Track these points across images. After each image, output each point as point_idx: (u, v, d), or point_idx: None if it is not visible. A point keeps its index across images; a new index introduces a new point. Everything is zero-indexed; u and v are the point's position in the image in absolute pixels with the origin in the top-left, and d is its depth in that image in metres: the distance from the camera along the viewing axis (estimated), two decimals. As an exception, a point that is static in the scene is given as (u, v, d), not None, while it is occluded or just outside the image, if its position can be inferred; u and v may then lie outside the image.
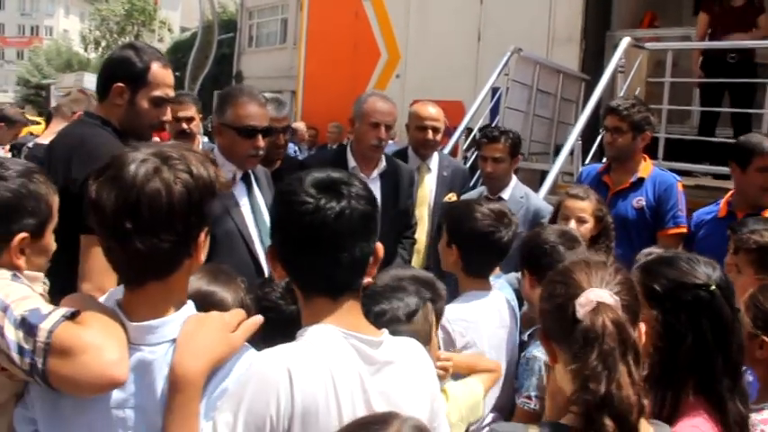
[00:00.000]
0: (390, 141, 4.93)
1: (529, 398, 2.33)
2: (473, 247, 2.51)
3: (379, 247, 1.56)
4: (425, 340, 1.77)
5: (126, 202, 1.34)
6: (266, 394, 1.36)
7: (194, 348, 1.39)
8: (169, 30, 32.36)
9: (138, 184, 1.35)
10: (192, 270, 1.48)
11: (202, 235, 1.45)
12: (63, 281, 2.03)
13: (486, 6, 10.10)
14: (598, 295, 1.39)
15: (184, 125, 4.14)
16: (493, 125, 7.40)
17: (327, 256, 1.47)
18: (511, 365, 2.56)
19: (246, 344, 1.49)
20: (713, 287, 1.69)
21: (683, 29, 8.81)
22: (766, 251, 2.50)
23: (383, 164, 3.76)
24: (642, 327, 1.48)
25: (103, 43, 34.63)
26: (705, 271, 1.73)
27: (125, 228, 1.34)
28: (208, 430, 1.37)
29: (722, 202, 3.81)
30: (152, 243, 1.35)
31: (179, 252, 1.41)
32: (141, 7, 30.99)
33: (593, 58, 8.91)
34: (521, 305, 2.80)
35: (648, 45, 7.01)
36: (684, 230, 3.91)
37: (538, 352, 2.37)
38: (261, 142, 2.97)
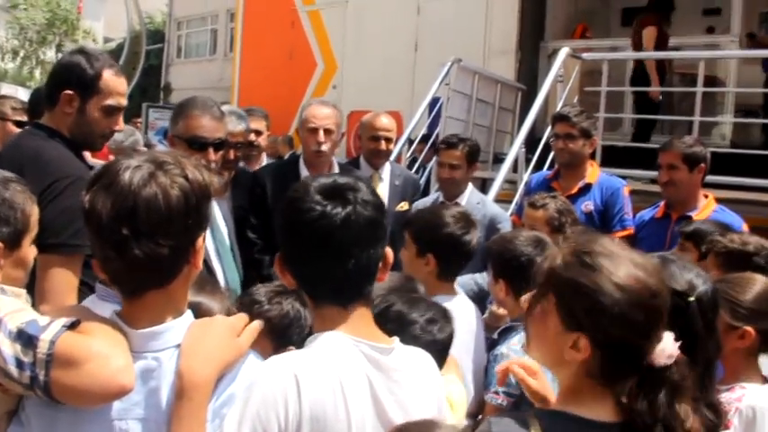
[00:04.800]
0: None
1: (497, 393, 2.37)
2: (448, 252, 2.53)
3: (389, 252, 1.55)
4: None
5: (122, 209, 1.30)
6: (274, 401, 1.34)
7: (202, 354, 1.36)
8: (93, 40, 31.42)
9: (134, 189, 1.31)
10: (190, 277, 1.44)
11: (200, 240, 1.41)
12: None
13: (422, 17, 10.20)
14: (674, 349, 1.38)
15: (252, 136, 4.06)
16: (433, 135, 7.52)
17: (335, 264, 1.45)
18: (480, 370, 2.57)
19: (250, 349, 1.46)
20: (692, 298, 1.65)
21: (612, 40, 9.15)
22: (733, 255, 2.59)
23: (335, 171, 3.73)
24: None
25: (22, 53, 33.27)
26: (692, 281, 1.70)
27: (122, 234, 1.29)
28: None
29: (662, 203, 3.96)
30: (150, 249, 1.30)
31: (178, 258, 1.36)
32: (63, 17, 29.99)
33: (528, 68, 9.12)
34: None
35: (586, 55, 7.22)
36: (631, 232, 4.05)
37: (506, 349, 2.43)
38: (212, 155, 2.87)
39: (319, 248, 1.44)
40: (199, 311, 1.69)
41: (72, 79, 2.45)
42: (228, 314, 1.72)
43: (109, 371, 1.28)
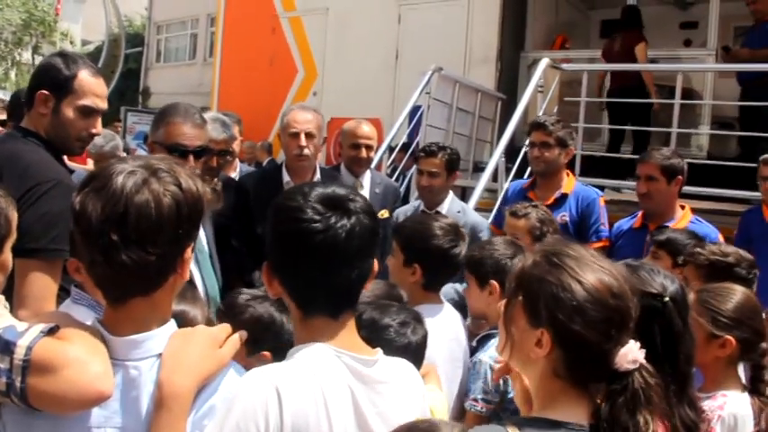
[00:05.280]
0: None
1: (476, 401, 2.42)
2: (435, 264, 2.52)
3: (374, 261, 1.55)
4: None
5: (113, 213, 1.29)
6: (254, 414, 1.33)
7: (182, 364, 1.34)
8: (71, 42, 31.07)
9: (126, 194, 1.30)
10: (176, 287, 1.42)
11: (188, 250, 1.40)
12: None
13: (404, 25, 10.21)
14: (639, 355, 1.40)
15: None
16: (413, 144, 7.53)
17: (336, 275, 1.44)
18: (465, 379, 2.58)
19: (232, 360, 1.45)
20: (666, 298, 1.74)
21: (591, 51, 9.23)
22: (715, 266, 2.63)
23: (317, 176, 3.72)
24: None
25: (-3, 54, 32.83)
26: (663, 282, 1.78)
27: (111, 240, 1.28)
28: None
29: (639, 214, 4.00)
30: (138, 256, 1.29)
31: (165, 267, 1.35)
32: (41, 18, 29.55)
33: (508, 77, 9.17)
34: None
35: (565, 66, 7.28)
36: (607, 244, 4.07)
37: (485, 356, 2.47)
38: (191, 162, 2.85)
39: (321, 260, 1.43)
40: (184, 320, 1.68)
41: (47, 80, 2.43)
42: (209, 323, 1.71)
43: (87, 377, 1.27)
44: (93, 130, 2.52)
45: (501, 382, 2.40)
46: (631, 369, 1.38)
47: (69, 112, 2.43)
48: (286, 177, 3.71)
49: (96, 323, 1.39)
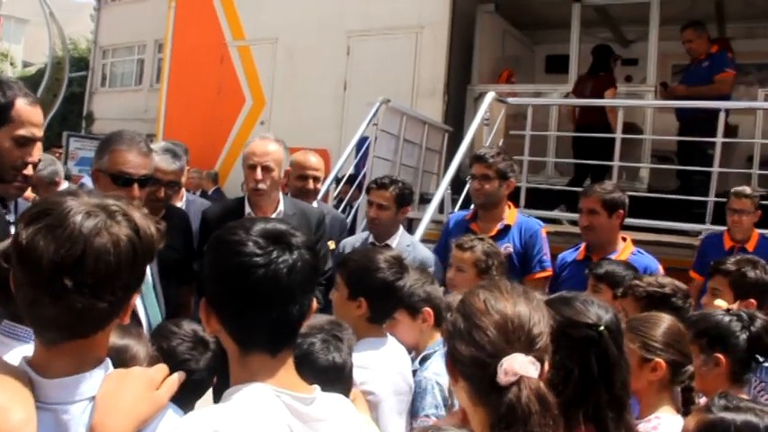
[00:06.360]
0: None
1: (428, 416, 2.42)
2: (381, 297, 2.50)
3: (314, 298, 1.53)
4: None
5: (69, 256, 1.21)
6: None
7: (116, 407, 1.27)
8: (11, 64, 30.39)
9: (84, 237, 1.22)
10: (113, 327, 1.36)
11: (136, 295, 1.35)
12: None
13: (352, 57, 10.29)
14: (521, 366, 1.39)
15: None
16: (360, 175, 7.53)
17: (277, 311, 1.41)
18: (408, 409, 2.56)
19: (170, 402, 1.39)
20: (602, 328, 1.78)
21: (536, 85, 9.46)
22: (653, 297, 2.70)
23: (281, 208, 3.63)
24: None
25: (-66, 77, 31.83)
26: (597, 312, 1.82)
27: (63, 284, 1.20)
28: None
29: (582, 246, 4.06)
30: (90, 303, 1.22)
31: (112, 313, 1.29)
32: (-21, 40, 28.94)
33: (455, 110, 9.30)
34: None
35: (511, 100, 7.41)
36: (550, 274, 4.12)
37: (428, 373, 2.52)
38: (136, 192, 2.80)
39: (262, 296, 1.40)
40: (127, 355, 1.62)
41: None
42: (152, 360, 1.66)
43: (7, 425, 1.20)
44: (29, 159, 2.43)
45: (447, 395, 2.44)
46: (512, 382, 1.38)
47: (5, 142, 2.33)
48: (248, 209, 3.61)
49: (24, 363, 1.31)
